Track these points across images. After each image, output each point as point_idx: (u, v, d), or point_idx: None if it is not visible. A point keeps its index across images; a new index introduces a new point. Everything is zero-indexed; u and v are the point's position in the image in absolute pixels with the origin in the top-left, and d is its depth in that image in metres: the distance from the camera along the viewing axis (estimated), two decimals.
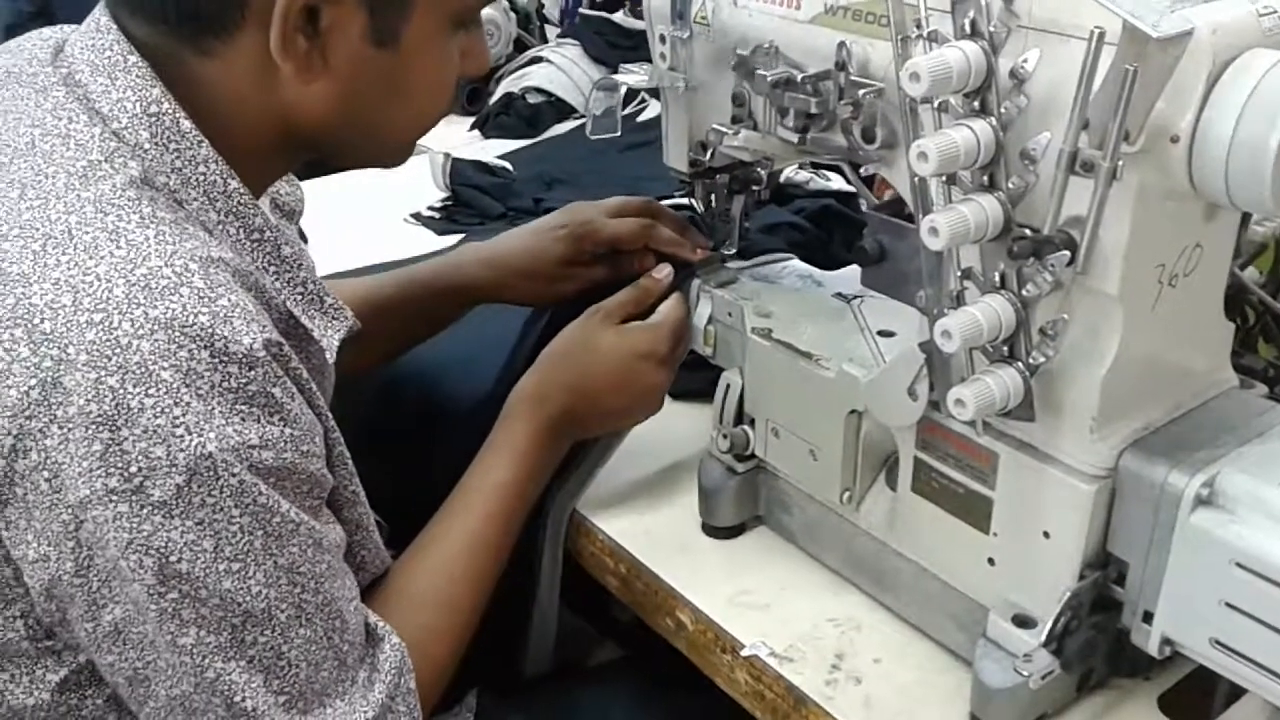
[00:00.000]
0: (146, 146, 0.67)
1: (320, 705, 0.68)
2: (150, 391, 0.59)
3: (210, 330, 0.61)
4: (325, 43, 0.69)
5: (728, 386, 0.88)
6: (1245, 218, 0.71)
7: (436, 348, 1.08)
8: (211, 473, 0.61)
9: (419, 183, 1.57)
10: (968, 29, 0.61)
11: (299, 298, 0.72)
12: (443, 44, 0.74)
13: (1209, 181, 0.58)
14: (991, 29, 0.61)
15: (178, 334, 0.60)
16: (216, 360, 0.61)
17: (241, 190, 0.70)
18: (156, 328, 0.60)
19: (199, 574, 0.62)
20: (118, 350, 0.59)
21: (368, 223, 1.46)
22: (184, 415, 0.60)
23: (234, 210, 0.69)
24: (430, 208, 1.53)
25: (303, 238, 1.35)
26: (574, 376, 0.88)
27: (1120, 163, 0.57)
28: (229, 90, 0.70)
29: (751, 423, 0.88)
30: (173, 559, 0.61)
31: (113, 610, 0.63)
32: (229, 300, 0.63)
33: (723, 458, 0.89)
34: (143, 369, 0.59)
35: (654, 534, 0.91)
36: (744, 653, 0.79)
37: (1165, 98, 0.57)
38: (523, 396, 0.88)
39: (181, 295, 0.61)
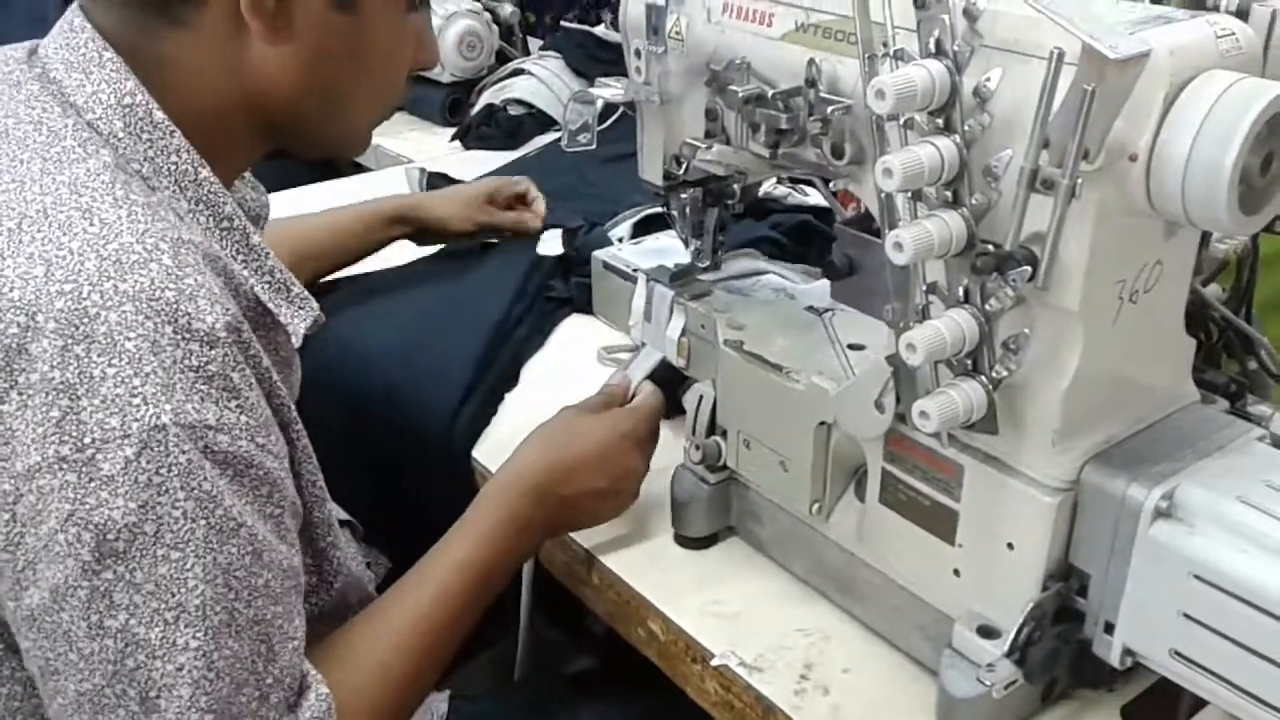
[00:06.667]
0: (120, 136, 0.68)
1: None
2: (113, 361, 0.60)
3: (175, 306, 0.62)
4: (289, 3, 0.71)
5: (700, 398, 0.89)
6: (1205, 235, 0.72)
7: (406, 360, 1.09)
8: (162, 446, 0.61)
9: (399, 193, 1.58)
10: (933, 48, 0.63)
11: (266, 285, 0.73)
12: (398, 18, 0.77)
13: (1166, 200, 0.59)
14: (956, 48, 0.62)
15: (144, 306, 0.61)
16: (179, 336, 0.62)
17: (212, 179, 0.71)
18: (124, 300, 0.61)
19: (135, 555, 0.61)
20: (85, 320, 0.60)
21: None
22: (143, 385, 0.60)
23: (204, 199, 0.71)
24: None
25: None
26: (551, 455, 0.86)
27: (1079, 180, 0.58)
28: (200, 61, 0.71)
29: (723, 434, 0.88)
30: (110, 536, 0.61)
31: (33, 594, 0.62)
32: (195, 280, 0.64)
33: (695, 469, 0.90)
34: (108, 339, 0.60)
35: (627, 544, 0.92)
36: (714, 662, 0.80)
37: (1124, 117, 0.58)
38: (497, 480, 0.86)
39: (150, 270, 0.62)
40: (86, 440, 0.60)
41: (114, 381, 0.60)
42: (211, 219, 0.71)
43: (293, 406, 0.73)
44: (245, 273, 0.71)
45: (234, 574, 0.65)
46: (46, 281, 0.61)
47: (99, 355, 0.60)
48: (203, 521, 0.63)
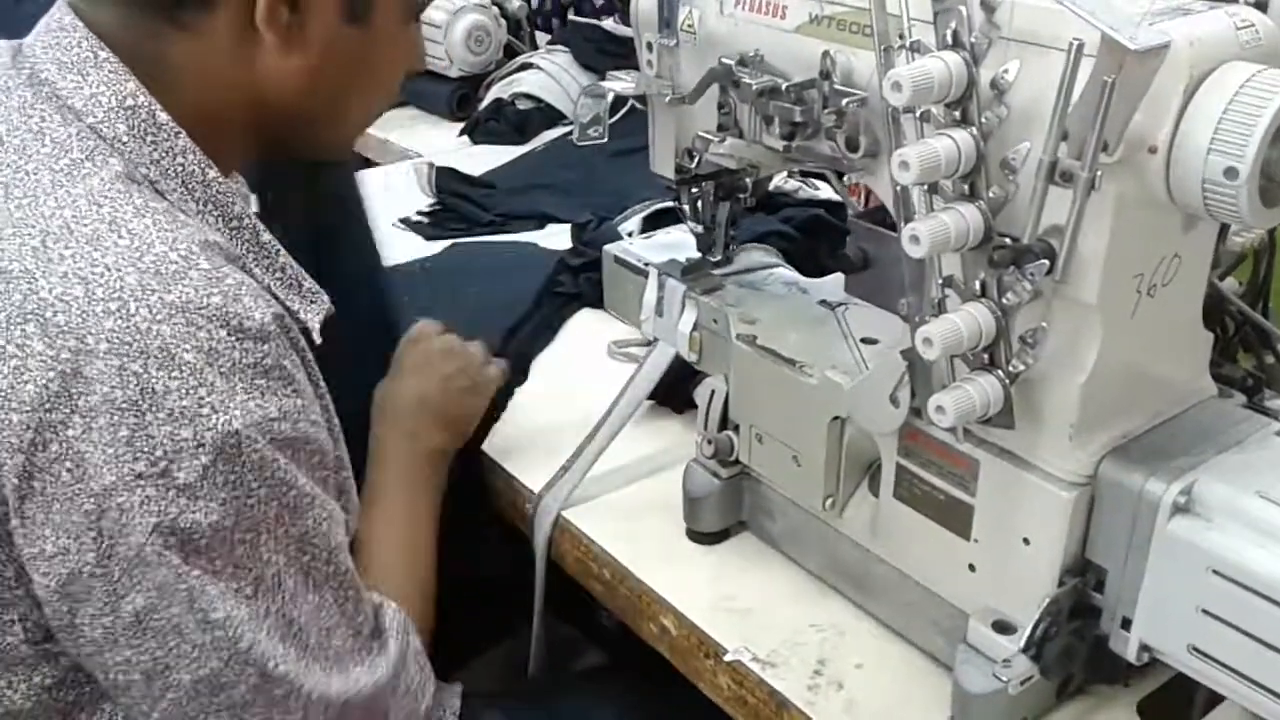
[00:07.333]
0: (125, 139, 0.67)
1: (341, 670, 0.71)
2: (174, 374, 0.60)
3: (224, 309, 0.63)
4: (304, 16, 0.71)
5: (712, 392, 0.89)
6: (1223, 228, 0.71)
7: None
8: (236, 450, 0.62)
9: (407, 189, 1.58)
10: (949, 40, 0.62)
11: (279, 282, 0.73)
12: (403, 29, 0.78)
13: (1186, 192, 0.59)
14: (973, 40, 0.62)
15: (195, 315, 0.62)
16: (234, 338, 0.63)
17: (220, 179, 0.71)
18: (174, 311, 0.61)
19: (217, 548, 0.63)
20: (138, 336, 0.60)
21: None
22: (209, 395, 0.61)
23: (213, 199, 0.70)
24: (419, 213, 1.53)
25: None
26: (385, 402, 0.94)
27: (1098, 173, 0.58)
28: (204, 66, 0.70)
29: (736, 429, 0.88)
30: (196, 537, 0.62)
31: (134, 599, 0.63)
32: (234, 279, 0.64)
33: (707, 463, 0.90)
34: (165, 353, 0.60)
35: (639, 539, 0.91)
36: (727, 658, 0.79)
37: (1143, 109, 0.57)
38: (387, 449, 0.92)
39: (192, 278, 0.62)
40: (159, 454, 0.60)
41: (178, 394, 0.60)
42: (221, 219, 0.71)
43: (324, 384, 0.75)
44: (259, 270, 0.71)
45: (310, 540, 0.68)
46: (89, 301, 0.60)
47: (158, 370, 0.60)
48: (275, 502, 0.65)
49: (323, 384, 0.75)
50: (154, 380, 0.60)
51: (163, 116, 0.68)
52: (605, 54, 1.82)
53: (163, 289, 0.61)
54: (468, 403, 0.97)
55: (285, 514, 0.66)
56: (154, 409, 0.60)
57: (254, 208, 0.90)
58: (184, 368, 0.61)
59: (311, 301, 0.74)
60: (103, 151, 0.66)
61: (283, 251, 0.74)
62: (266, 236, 0.73)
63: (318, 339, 0.74)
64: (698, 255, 0.97)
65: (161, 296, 0.61)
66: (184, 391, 0.61)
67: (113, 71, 0.68)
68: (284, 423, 0.65)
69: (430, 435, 0.92)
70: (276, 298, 0.71)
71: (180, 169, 0.69)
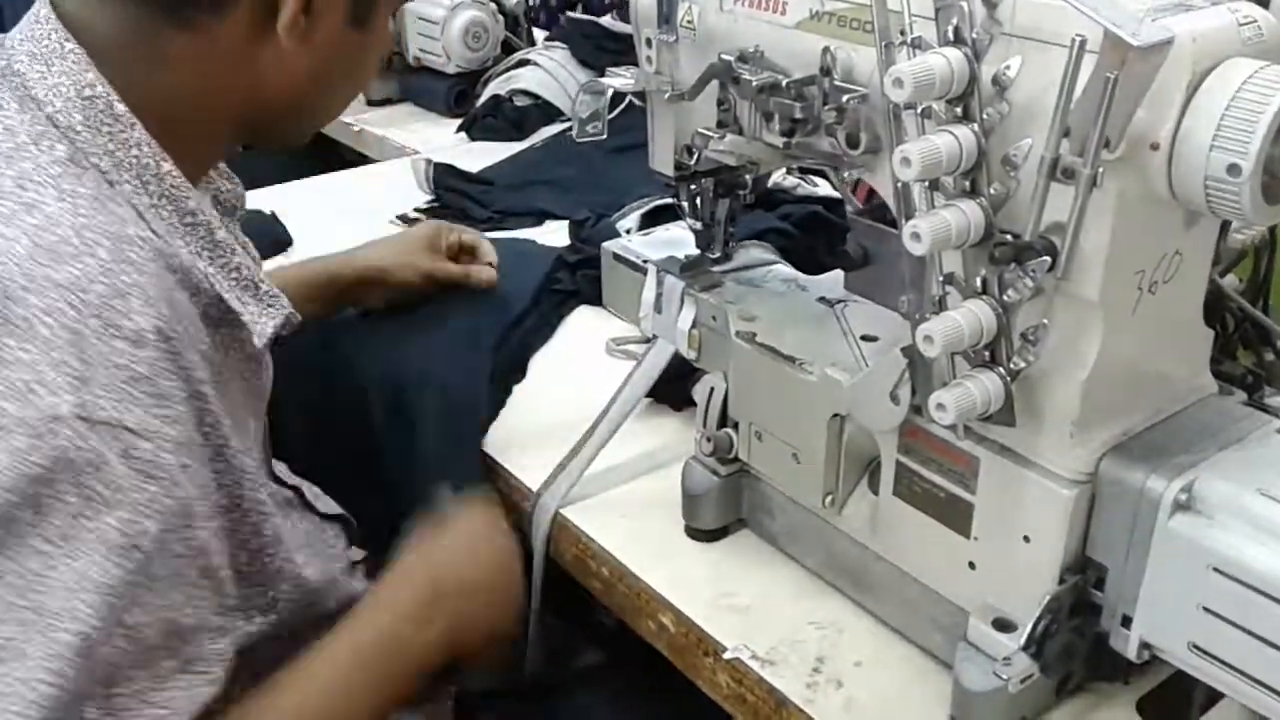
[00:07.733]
0: (79, 129, 0.67)
1: None
2: (25, 346, 0.58)
3: (105, 301, 0.60)
4: (315, 20, 0.72)
5: (711, 389, 0.88)
6: (1225, 225, 0.71)
7: (402, 353, 1.08)
8: (55, 438, 0.57)
9: (405, 185, 1.57)
10: (951, 36, 0.62)
11: (232, 283, 0.72)
12: (387, 27, 0.79)
13: (1188, 189, 0.58)
14: (974, 36, 0.61)
15: (71, 296, 0.60)
16: (106, 330, 0.60)
17: (174, 174, 0.70)
18: (49, 286, 0.59)
19: (9, 544, 0.56)
20: (5, 301, 0.58)
21: (356, 224, 1.45)
22: (52, 373, 0.58)
23: (166, 193, 0.69)
24: (417, 209, 1.53)
25: (288, 239, 1.35)
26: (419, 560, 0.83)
27: (1100, 170, 0.57)
28: (205, 64, 0.70)
29: (735, 426, 0.88)
30: None
31: None
32: (131, 279, 0.62)
33: (706, 461, 0.89)
34: (25, 323, 0.58)
35: (637, 537, 0.91)
36: (726, 656, 0.79)
37: (1145, 106, 0.57)
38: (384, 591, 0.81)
39: (84, 263, 0.61)
40: None
41: (21, 366, 0.58)
42: (175, 214, 0.70)
43: (226, 430, 0.69)
44: (210, 270, 0.70)
45: (113, 596, 0.58)
46: None
47: (10, 338, 0.58)
48: (96, 523, 0.58)
49: (225, 423, 0.68)
50: (3, 349, 0.58)
51: (120, 107, 0.68)
52: (604, 50, 1.82)
53: (51, 265, 0.60)
54: (487, 622, 0.84)
55: (101, 548, 0.57)
56: None
57: (246, 204, 0.90)
58: (40, 342, 0.58)
59: (269, 305, 0.73)
60: (51, 138, 0.66)
61: (239, 252, 0.73)
62: (221, 235, 0.72)
63: (259, 342, 0.73)
64: (696, 252, 0.97)
65: (48, 273, 0.60)
66: (27, 365, 0.57)
67: (75, 63, 0.67)
68: (142, 440, 0.59)
69: (432, 628, 0.79)
70: (222, 299, 0.70)
71: (135, 161, 0.68)
